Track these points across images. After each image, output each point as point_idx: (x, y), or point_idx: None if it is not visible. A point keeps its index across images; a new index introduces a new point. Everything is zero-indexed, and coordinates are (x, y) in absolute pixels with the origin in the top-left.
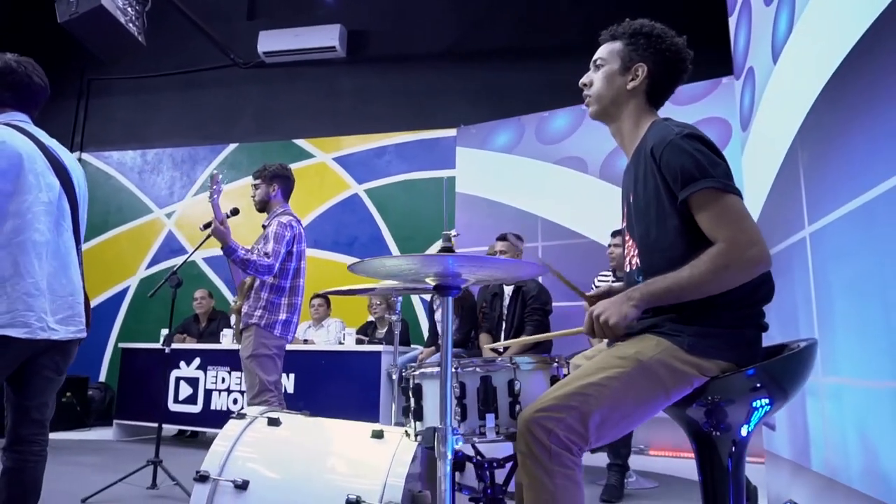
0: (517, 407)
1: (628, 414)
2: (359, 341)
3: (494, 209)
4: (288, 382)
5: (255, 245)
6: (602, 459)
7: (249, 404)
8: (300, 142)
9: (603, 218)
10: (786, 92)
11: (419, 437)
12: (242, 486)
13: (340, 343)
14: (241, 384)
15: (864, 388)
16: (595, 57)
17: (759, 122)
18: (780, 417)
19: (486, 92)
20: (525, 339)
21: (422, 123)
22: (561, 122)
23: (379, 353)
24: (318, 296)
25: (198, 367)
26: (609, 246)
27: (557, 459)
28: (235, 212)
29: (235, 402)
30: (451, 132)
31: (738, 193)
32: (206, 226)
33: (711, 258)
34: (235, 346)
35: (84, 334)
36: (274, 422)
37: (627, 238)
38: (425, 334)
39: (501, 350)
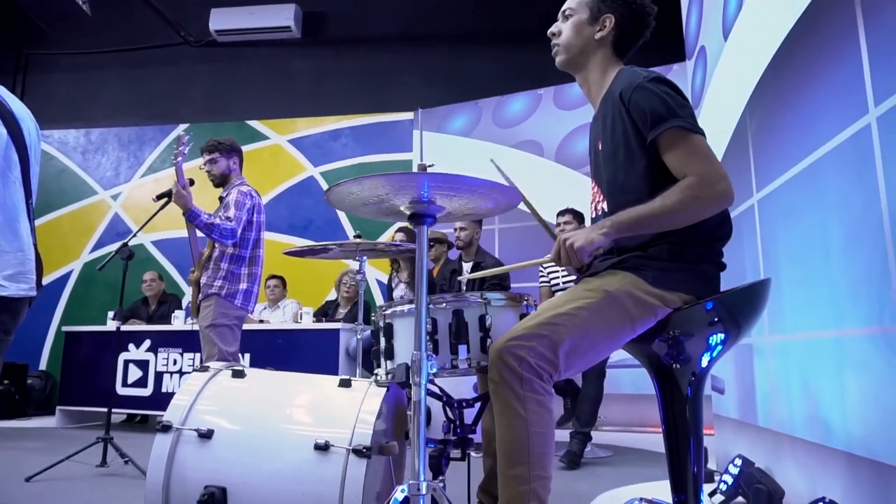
0: (488, 341)
1: (596, 343)
2: (316, 320)
3: None
4: (244, 362)
5: (215, 214)
6: (565, 436)
7: None
8: (254, 123)
9: (559, 200)
10: (736, 66)
11: (390, 375)
12: (207, 435)
13: (297, 322)
14: (193, 365)
15: (808, 339)
16: (564, 7)
17: (710, 98)
18: (728, 381)
19: (443, 75)
20: (492, 271)
21: (379, 106)
22: (518, 106)
23: (337, 331)
24: (273, 276)
25: (148, 350)
26: (559, 224)
27: (528, 385)
28: (190, 182)
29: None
30: (409, 115)
31: (703, 133)
32: (160, 196)
33: (682, 189)
34: (187, 327)
35: (34, 293)
36: (238, 374)
37: (593, 186)
38: None
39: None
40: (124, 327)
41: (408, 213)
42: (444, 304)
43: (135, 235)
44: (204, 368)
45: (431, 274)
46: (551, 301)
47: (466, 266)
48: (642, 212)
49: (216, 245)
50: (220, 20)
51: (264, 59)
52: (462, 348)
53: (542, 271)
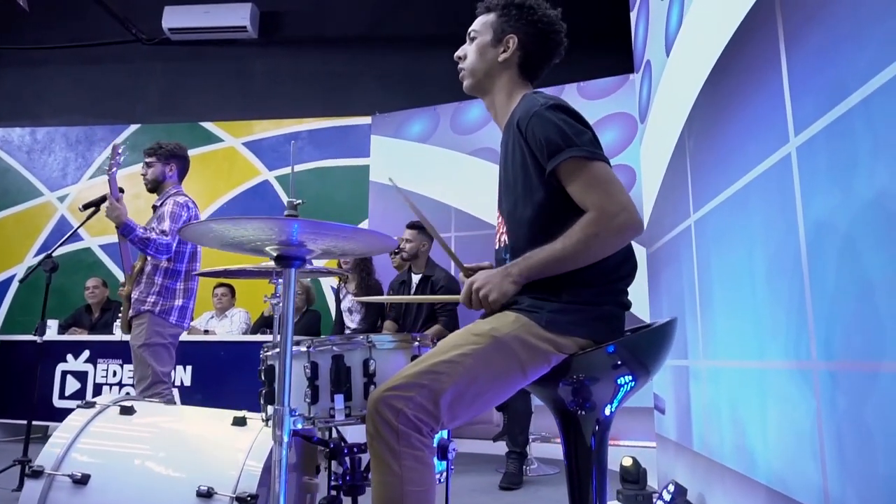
0: (372, 388)
1: (483, 392)
2: (255, 332)
3: (408, 198)
4: (185, 375)
5: (148, 225)
6: (504, 448)
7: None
8: (208, 125)
9: None
10: (676, 83)
11: (269, 423)
12: (82, 481)
13: (243, 334)
14: (134, 377)
15: (736, 368)
16: (469, 29)
17: (655, 113)
18: (668, 402)
19: (401, 79)
20: (410, 298)
21: (336, 110)
22: (476, 113)
23: None
24: (222, 285)
25: (87, 361)
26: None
27: (405, 440)
28: (119, 191)
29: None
30: (367, 120)
31: (606, 160)
32: (87, 206)
33: (582, 227)
34: (128, 338)
35: None
36: (127, 410)
37: (497, 215)
38: None
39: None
40: (64, 336)
41: (274, 254)
42: (329, 347)
43: (59, 246)
44: (89, 404)
45: (379, 287)
46: (437, 346)
47: (415, 278)
48: (548, 256)
49: (149, 258)
50: (174, 18)
51: (219, 59)
52: (339, 398)
53: None
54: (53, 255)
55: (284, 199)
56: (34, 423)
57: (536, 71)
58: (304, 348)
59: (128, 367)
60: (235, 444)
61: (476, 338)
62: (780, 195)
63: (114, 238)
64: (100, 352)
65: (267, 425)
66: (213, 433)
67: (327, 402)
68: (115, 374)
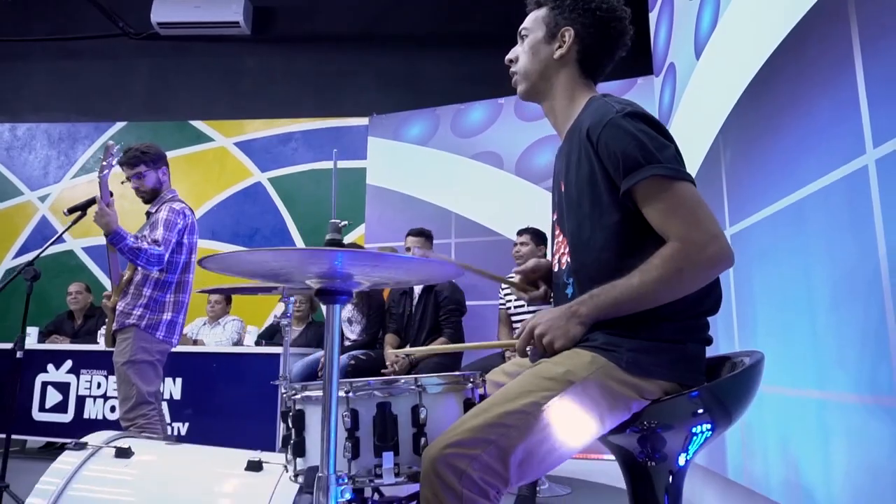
0: (422, 440)
1: (557, 447)
2: (257, 344)
3: (407, 203)
4: (174, 388)
5: (140, 233)
6: None
7: (123, 418)
8: (198, 123)
9: (518, 215)
10: (709, 88)
11: (299, 478)
12: None
13: (236, 344)
14: (117, 397)
15: (784, 395)
16: (520, 28)
17: (680, 117)
18: None
19: (398, 79)
20: (435, 348)
21: (331, 110)
22: (477, 116)
23: (278, 356)
24: (217, 291)
25: (69, 371)
26: (515, 245)
27: None
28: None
29: (113, 409)
30: (363, 121)
31: (691, 180)
32: (73, 210)
33: (664, 261)
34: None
35: None
36: (123, 453)
37: (557, 233)
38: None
39: (405, 356)
40: (45, 345)
41: (315, 287)
42: (369, 392)
43: (41, 253)
44: (80, 446)
45: (381, 297)
46: (502, 392)
47: (417, 288)
48: (622, 294)
49: (139, 268)
50: (163, 12)
51: (210, 55)
52: (388, 455)
53: (500, 294)
54: (42, 258)
55: (278, 201)
56: (12, 437)
57: (599, 67)
58: (342, 393)
59: (113, 378)
60: (252, 493)
61: (549, 383)
62: (849, 212)
63: (98, 240)
64: (83, 362)
65: (293, 479)
66: (224, 480)
67: (370, 457)
68: (99, 385)
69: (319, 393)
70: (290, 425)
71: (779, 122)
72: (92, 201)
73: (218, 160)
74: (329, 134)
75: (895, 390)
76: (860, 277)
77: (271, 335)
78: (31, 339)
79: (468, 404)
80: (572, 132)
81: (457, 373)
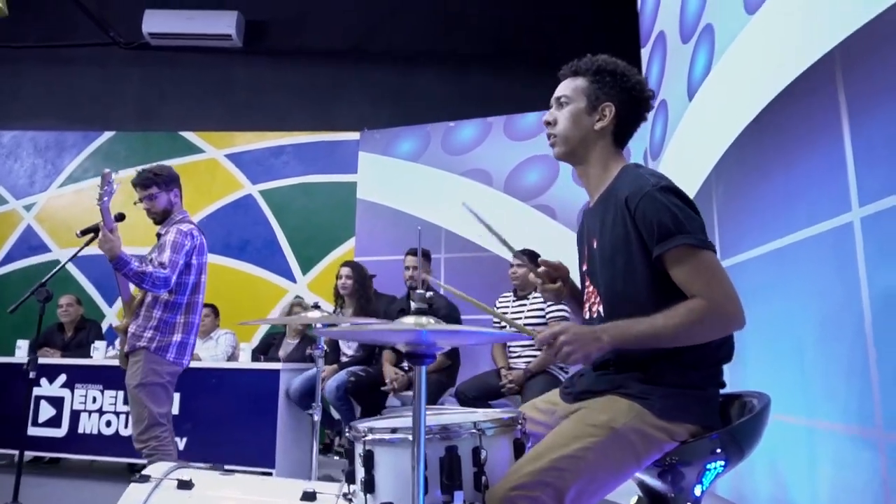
0: (483, 478)
1: (603, 485)
2: (255, 359)
3: (397, 218)
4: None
5: (150, 255)
6: None
7: (137, 440)
8: (188, 135)
9: (507, 233)
10: (703, 128)
11: None
12: None
13: (231, 358)
14: (115, 404)
15: (777, 421)
16: (558, 94)
17: (671, 152)
18: None
19: (389, 95)
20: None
21: (322, 124)
22: (467, 134)
23: (277, 371)
24: (205, 305)
25: (63, 385)
26: (511, 266)
27: None
28: (121, 217)
29: (109, 424)
30: (354, 135)
31: (713, 248)
32: (85, 232)
33: (688, 311)
34: (109, 362)
35: None
36: (185, 485)
37: (588, 284)
38: None
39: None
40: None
41: (404, 350)
42: (433, 436)
43: (54, 275)
44: (143, 478)
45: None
46: (552, 438)
47: (415, 307)
48: (644, 330)
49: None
50: (155, 22)
51: (200, 66)
52: (458, 495)
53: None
54: (25, 268)
55: (269, 213)
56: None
57: (627, 137)
58: (410, 436)
59: (109, 392)
60: None
61: (594, 429)
62: (835, 260)
63: (89, 251)
64: (78, 376)
65: None
66: None
67: (438, 495)
68: (94, 400)
69: (388, 436)
70: (362, 464)
71: (768, 171)
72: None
73: (209, 172)
74: (320, 147)
75: (877, 422)
76: (845, 319)
77: (265, 349)
78: (22, 352)
79: (517, 443)
80: (607, 197)
81: (507, 416)
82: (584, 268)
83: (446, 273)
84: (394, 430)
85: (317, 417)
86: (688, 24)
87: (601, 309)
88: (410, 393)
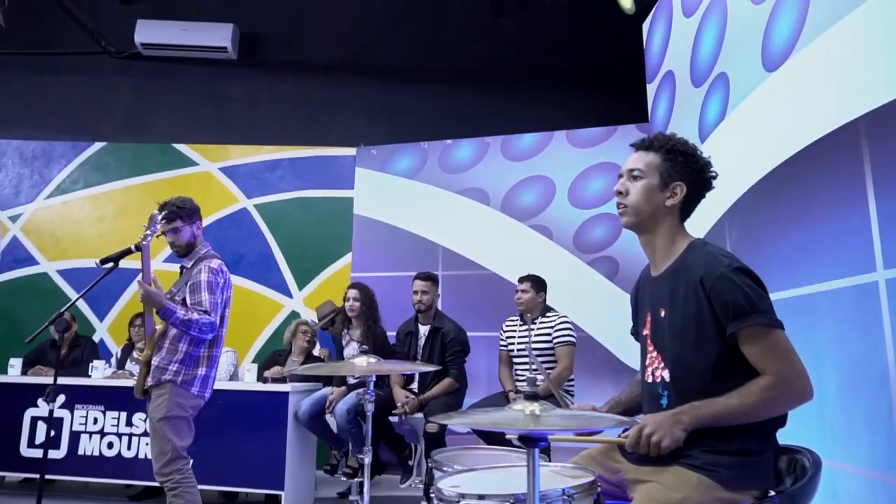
0: None
1: None
2: (261, 377)
3: (394, 234)
4: None
5: (176, 293)
6: None
7: (159, 473)
8: (182, 147)
9: (503, 251)
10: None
11: None
12: None
13: (231, 378)
14: (117, 426)
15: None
16: (631, 167)
17: None
18: None
19: (386, 111)
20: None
21: (318, 139)
22: (464, 153)
23: (286, 393)
24: None
25: (62, 406)
26: (517, 291)
27: None
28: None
29: (111, 446)
30: (350, 151)
31: (783, 327)
32: (105, 261)
33: (762, 390)
34: (110, 382)
35: None
36: None
37: (651, 349)
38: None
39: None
40: (36, 378)
41: (516, 434)
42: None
43: (73, 304)
44: None
45: (384, 338)
46: None
47: (423, 329)
48: (723, 410)
49: None
50: (148, 33)
51: (193, 78)
52: None
53: (501, 337)
54: (10, 280)
55: (264, 227)
56: None
57: (691, 212)
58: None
59: (111, 413)
60: None
61: None
62: (859, 314)
63: (77, 264)
64: (77, 396)
65: None
66: None
67: None
68: (96, 421)
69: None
70: None
71: (788, 223)
72: (126, 252)
73: (202, 185)
74: (316, 162)
75: None
76: (866, 370)
77: (270, 366)
78: (15, 371)
79: None
80: (677, 271)
81: (586, 480)
82: (646, 332)
83: (444, 291)
84: (481, 497)
85: (368, 460)
86: (700, 69)
87: (665, 374)
88: (421, 416)
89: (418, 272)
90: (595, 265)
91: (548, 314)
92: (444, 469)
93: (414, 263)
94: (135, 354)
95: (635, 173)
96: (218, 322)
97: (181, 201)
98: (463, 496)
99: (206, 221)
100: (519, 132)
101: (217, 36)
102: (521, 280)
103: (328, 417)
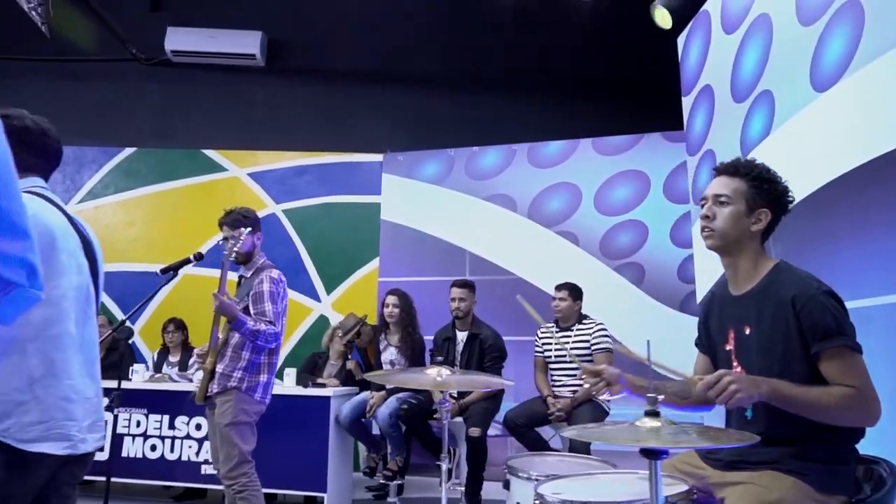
0: None
1: None
2: (304, 383)
3: (421, 239)
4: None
5: (238, 297)
6: None
7: (226, 476)
8: (211, 153)
9: (530, 256)
10: None
11: None
12: None
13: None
14: (160, 429)
15: None
16: (717, 192)
17: None
18: None
19: (412, 119)
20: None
21: (345, 145)
22: (491, 160)
23: (328, 398)
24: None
25: (105, 409)
26: (554, 299)
27: None
28: (200, 256)
29: (154, 448)
30: (377, 157)
31: (862, 352)
32: (166, 270)
33: (843, 396)
34: (151, 385)
35: (104, 441)
36: None
37: (736, 363)
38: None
39: (455, 400)
40: None
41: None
42: None
43: (138, 310)
44: None
45: (422, 343)
46: None
47: (461, 336)
48: (799, 395)
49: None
50: (178, 40)
51: (221, 84)
52: None
53: (536, 343)
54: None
55: (292, 232)
56: None
57: (770, 235)
58: None
59: (154, 416)
60: None
61: None
62: None
63: (109, 268)
64: (121, 399)
65: None
66: None
67: None
68: (139, 424)
69: None
70: None
71: (839, 238)
72: (185, 262)
73: (230, 190)
74: (343, 168)
75: None
76: None
77: (311, 370)
78: None
79: None
80: (764, 291)
81: (683, 489)
82: (728, 348)
83: None
84: None
85: (446, 466)
86: (742, 85)
87: None
88: (459, 420)
89: (455, 279)
90: (621, 271)
91: (584, 321)
92: (520, 475)
93: (441, 268)
94: (192, 361)
95: (722, 199)
96: (280, 329)
97: (246, 211)
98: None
99: None
100: (545, 140)
101: (246, 43)
102: (559, 288)
103: (365, 421)
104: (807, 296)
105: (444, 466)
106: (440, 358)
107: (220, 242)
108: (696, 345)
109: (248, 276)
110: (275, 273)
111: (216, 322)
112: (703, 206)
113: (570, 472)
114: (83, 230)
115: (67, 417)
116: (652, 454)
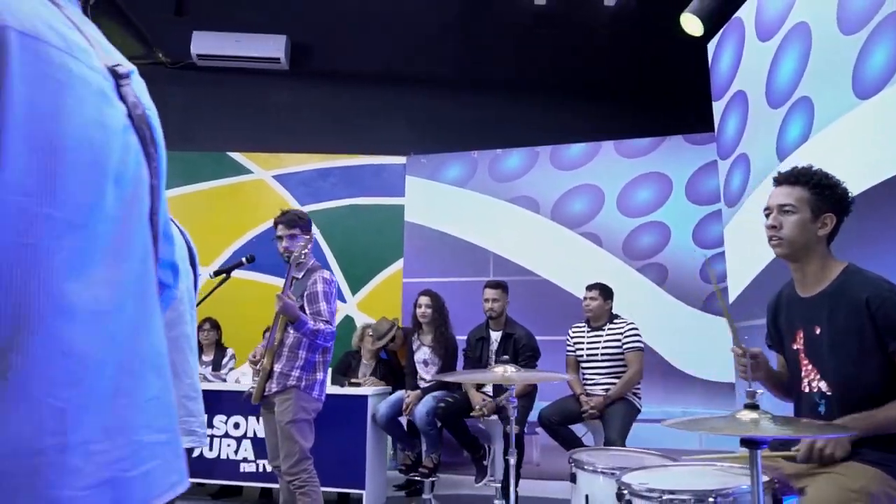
0: None
1: None
2: (339, 383)
3: (445, 241)
4: (259, 427)
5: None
6: None
7: (288, 472)
8: (236, 155)
9: (554, 257)
10: None
11: None
12: None
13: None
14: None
15: None
16: (781, 202)
17: (753, 204)
18: None
19: (435, 121)
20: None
21: (369, 148)
22: (514, 162)
23: (365, 397)
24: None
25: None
26: (585, 299)
27: None
28: (251, 259)
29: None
30: (400, 160)
31: None
32: (218, 272)
33: None
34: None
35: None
36: None
37: (806, 362)
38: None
39: (491, 398)
40: None
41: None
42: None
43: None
44: None
45: (454, 342)
46: (822, 499)
47: (495, 335)
48: (884, 420)
49: (290, 330)
50: (203, 44)
51: (246, 87)
52: None
53: (568, 342)
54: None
55: (317, 233)
56: None
57: (835, 236)
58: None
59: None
60: None
61: (854, 494)
62: None
63: None
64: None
65: None
66: None
67: None
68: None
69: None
70: None
71: (878, 242)
72: (238, 264)
73: (256, 191)
74: (367, 171)
75: None
76: None
77: (344, 370)
78: None
79: (776, 500)
80: (835, 294)
81: (766, 478)
82: (797, 347)
83: None
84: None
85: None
86: (778, 91)
87: (822, 385)
88: (494, 417)
89: (488, 280)
90: (644, 272)
91: (615, 321)
92: (586, 468)
93: (465, 269)
94: (249, 361)
95: (787, 208)
96: (335, 328)
97: (301, 212)
98: (660, 492)
99: (260, 228)
100: (568, 142)
101: (271, 47)
102: (590, 288)
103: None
104: (882, 297)
105: (511, 461)
106: (506, 357)
107: (273, 240)
108: (769, 346)
109: (300, 276)
110: (326, 274)
111: (275, 322)
112: (767, 217)
113: (637, 464)
114: (184, 234)
115: (189, 414)
116: (753, 444)
